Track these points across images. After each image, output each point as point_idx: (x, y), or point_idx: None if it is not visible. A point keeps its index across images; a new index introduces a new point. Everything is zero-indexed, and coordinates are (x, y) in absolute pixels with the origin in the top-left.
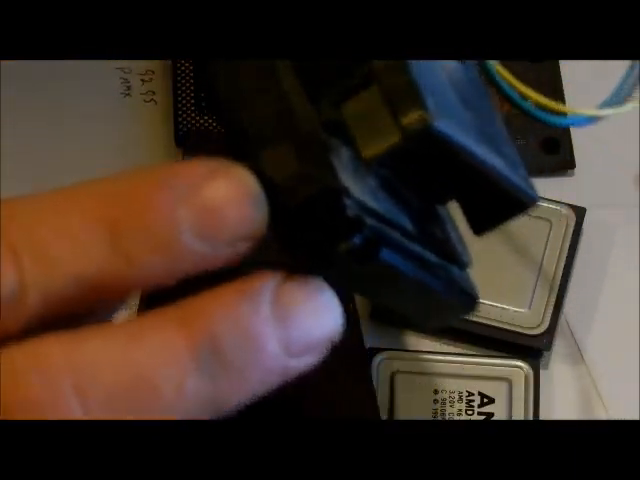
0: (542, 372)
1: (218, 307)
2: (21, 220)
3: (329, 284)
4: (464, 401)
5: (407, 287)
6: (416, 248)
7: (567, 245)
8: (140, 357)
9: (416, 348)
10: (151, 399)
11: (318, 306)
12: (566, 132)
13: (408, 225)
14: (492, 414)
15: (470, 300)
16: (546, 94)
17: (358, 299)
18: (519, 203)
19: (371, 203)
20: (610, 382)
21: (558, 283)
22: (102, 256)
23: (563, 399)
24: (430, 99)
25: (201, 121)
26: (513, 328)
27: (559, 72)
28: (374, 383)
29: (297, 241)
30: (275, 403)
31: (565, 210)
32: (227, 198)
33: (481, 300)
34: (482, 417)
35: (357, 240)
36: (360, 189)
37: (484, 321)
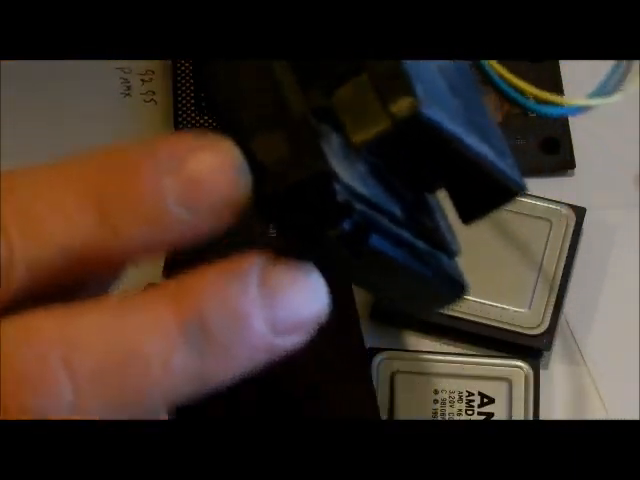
0: (542, 372)
1: (207, 285)
2: (19, 193)
3: (318, 269)
4: (464, 401)
5: (396, 273)
6: (405, 235)
7: (567, 245)
8: (129, 331)
9: (416, 348)
10: (139, 373)
11: (305, 287)
12: (566, 132)
13: (397, 212)
14: (492, 414)
15: (459, 288)
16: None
17: (358, 299)
18: (507, 191)
19: (361, 189)
20: (610, 382)
21: (558, 283)
22: (88, 226)
23: (563, 399)
24: (419, 86)
25: (201, 121)
26: (513, 328)
27: (559, 71)
28: (374, 383)
29: (287, 226)
30: (275, 403)
31: (565, 210)
32: (211, 167)
33: (481, 300)
34: (482, 417)
35: (346, 225)
36: (350, 175)
37: (484, 321)
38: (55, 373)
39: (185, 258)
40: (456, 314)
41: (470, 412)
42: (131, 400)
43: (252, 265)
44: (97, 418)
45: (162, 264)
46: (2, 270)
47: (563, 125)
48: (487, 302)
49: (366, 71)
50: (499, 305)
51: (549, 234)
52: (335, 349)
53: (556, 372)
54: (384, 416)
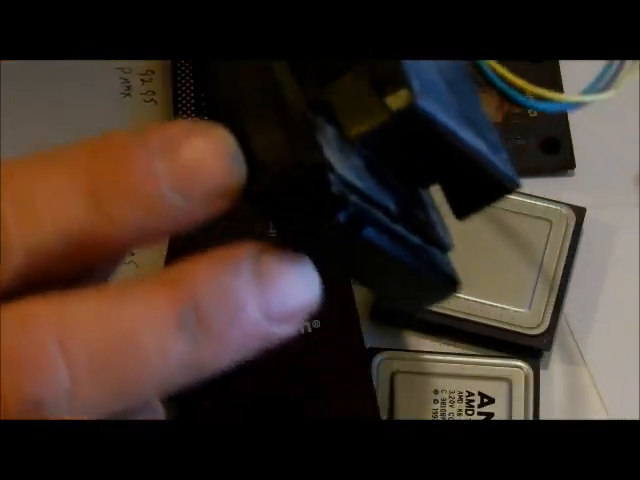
0: (542, 372)
1: (201, 272)
2: (17, 180)
3: (312, 260)
4: (464, 401)
5: (389, 266)
6: (398, 228)
7: (567, 245)
8: (125, 318)
9: (416, 348)
10: (135, 359)
11: (297, 275)
12: (566, 132)
13: (391, 206)
14: (492, 414)
15: (451, 283)
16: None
17: (358, 299)
18: (501, 187)
19: (355, 181)
20: (610, 382)
21: (558, 283)
22: (84, 212)
23: (563, 399)
24: (415, 80)
25: None
26: (513, 328)
27: (559, 71)
28: (374, 383)
29: (281, 217)
30: (275, 403)
31: (565, 210)
32: (205, 154)
33: (481, 300)
34: (482, 417)
35: (341, 217)
36: (345, 167)
37: (484, 321)
38: (52, 359)
39: (187, 250)
40: (456, 314)
41: (470, 412)
42: (127, 387)
43: (246, 253)
44: (94, 409)
45: (164, 260)
46: (1, 255)
47: (563, 125)
48: (487, 302)
49: (362, 66)
50: (499, 305)
51: (549, 234)
52: (335, 349)
53: (556, 372)
54: (384, 416)
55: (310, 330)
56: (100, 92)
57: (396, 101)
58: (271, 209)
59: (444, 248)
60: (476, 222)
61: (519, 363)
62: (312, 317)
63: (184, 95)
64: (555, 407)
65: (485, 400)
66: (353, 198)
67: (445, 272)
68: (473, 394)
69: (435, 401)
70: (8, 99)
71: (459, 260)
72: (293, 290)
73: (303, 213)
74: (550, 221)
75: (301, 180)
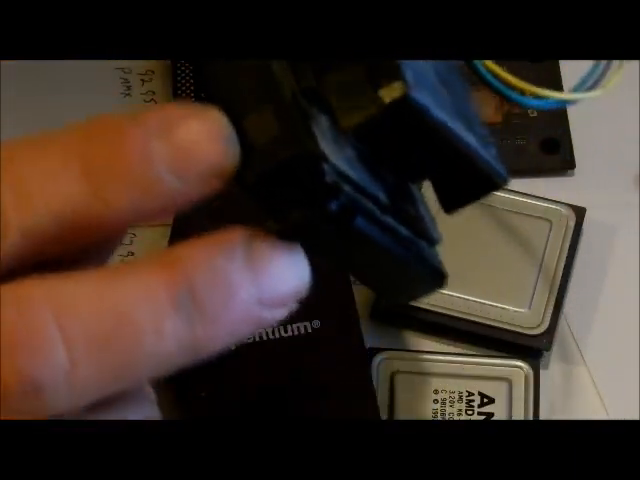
0: (542, 372)
1: (195, 254)
2: (17, 162)
3: (303, 249)
4: (464, 401)
5: (378, 257)
6: (389, 220)
7: (567, 245)
8: (120, 297)
9: (416, 348)
10: (131, 338)
11: (287, 262)
12: (566, 132)
13: (382, 197)
14: (492, 414)
15: (439, 276)
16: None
17: (358, 299)
18: (491, 181)
19: (348, 172)
20: (610, 382)
21: (558, 283)
22: (79, 193)
23: (563, 399)
24: (409, 73)
25: None
26: (513, 328)
27: (559, 71)
28: (374, 383)
29: (274, 205)
30: (276, 403)
31: (565, 210)
32: (200, 135)
33: (481, 300)
34: (482, 417)
35: (333, 206)
36: (338, 157)
37: (484, 321)
38: (50, 339)
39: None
40: (456, 314)
41: (470, 412)
42: (124, 368)
43: (238, 238)
44: (92, 392)
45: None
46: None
47: (563, 125)
48: (487, 302)
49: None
50: (499, 305)
51: (549, 234)
52: (335, 349)
53: (556, 372)
54: (384, 416)
55: (310, 330)
56: (100, 92)
57: (390, 93)
58: (264, 197)
59: (432, 242)
60: (476, 222)
61: (519, 363)
62: (312, 317)
63: (184, 95)
64: (555, 407)
65: (485, 400)
66: (346, 188)
67: (433, 265)
68: (473, 394)
69: (435, 401)
70: (8, 99)
71: (459, 260)
72: (283, 276)
73: (296, 201)
74: (550, 221)
75: (295, 169)
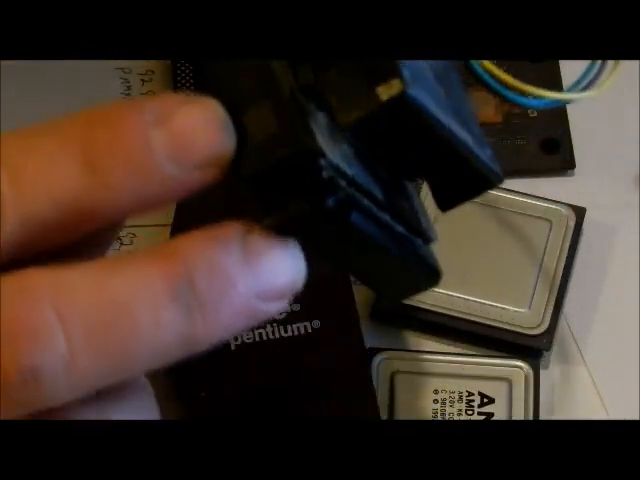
0: (542, 372)
1: (193, 246)
2: (13, 150)
3: (299, 244)
4: (464, 401)
5: (373, 254)
6: (385, 217)
7: (567, 245)
8: (119, 286)
9: (416, 348)
10: (130, 328)
11: (282, 256)
12: (566, 132)
13: (378, 194)
14: (492, 414)
15: (434, 274)
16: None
17: (358, 299)
18: (486, 180)
19: (345, 168)
20: (610, 382)
21: (558, 283)
22: (78, 179)
23: (563, 399)
24: (406, 70)
25: None
26: (513, 328)
27: (559, 71)
28: (374, 383)
29: (271, 200)
30: (276, 403)
31: (565, 210)
32: (197, 122)
33: (481, 300)
34: (482, 417)
35: (330, 201)
36: (335, 153)
37: (484, 321)
38: (49, 327)
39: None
40: (456, 314)
41: (470, 412)
42: (122, 358)
43: (234, 231)
44: (90, 382)
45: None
46: None
47: (563, 125)
48: (487, 302)
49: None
50: (499, 305)
51: (549, 234)
52: (335, 349)
53: (556, 372)
54: (384, 416)
55: (310, 330)
56: (100, 92)
57: (388, 90)
58: (262, 191)
59: (427, 239)
60: (476, 222)
61: (519, 363)
62: (312, 317)
63: None
64: (555, 407)
65: (485, 400)
66: (343, 183)
67: (428, 263)
68: (473, 394)
69: (435, 401)
70: (8, 99)
71: (459, 260)
72: (278, 269)
73: (293, 196)
74: (550, 221)
75: (293, 164)
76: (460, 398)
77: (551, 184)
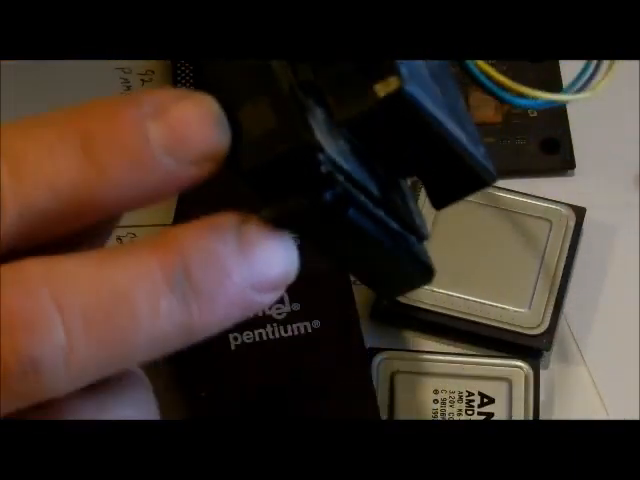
0: (542, 372)
1: (189, 236)
2: (11, 141)
3: (297, 238)
4: (464, 401)
5: (368, 250)
6: (380, 213)
7: (567, 245)
8: (117, 275)
9: (416, 348)
10: (128, 317)
11: (276, 245)
12: (566, 132)
13: (374, 191)
14: (492, 414)
15: (427, 271)
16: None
17: (358, 299)
18: (479, 179)
19: (342, 163)
20: (610, 382)
21: (558, 283)
22: (74, 165)
23: (563, 399)
24: (404, 68)
25: None
26: (513, 328)
27: (559, 71)
28: (374, 383)
29: (269, 194)
30: (276, 403)
31: (565, 210)
32: (193, 117)
33: (481, 300)
34: (482, 417)
35: (328, 196)
36: (333, 149)
37: (484, 321)
38: (48, 317)
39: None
40: (456, 314)
41: (470, 412)
42: (120, 347)
43: (230, 221)
44: (88, 372)
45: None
46: None
47: (563, 125)
48: (487, 302)
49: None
50: (499, 305)
51: (549, 234)
52: (335, 349)
53: (556, 372)
54: (384, 416)
55: (310, 330)
56: (100, 92)
57: (385, 87)
58: (260, 185)
59: (421, 237)
60: (476, 222)
61: (519, 363)
62: (312, 317)
63: None
64: (555, 407)
65: (485, 400)
66: (341, 178)
67: (422, 260)
68: (473, 394)
69: (435, 401)
70: (8, 99)
71: (459, 260)
72: (272, 260)
73: (291, 190)
74: (550, 221)
75: (291, 159)
76: (460, 398)
77: (551, 184)
